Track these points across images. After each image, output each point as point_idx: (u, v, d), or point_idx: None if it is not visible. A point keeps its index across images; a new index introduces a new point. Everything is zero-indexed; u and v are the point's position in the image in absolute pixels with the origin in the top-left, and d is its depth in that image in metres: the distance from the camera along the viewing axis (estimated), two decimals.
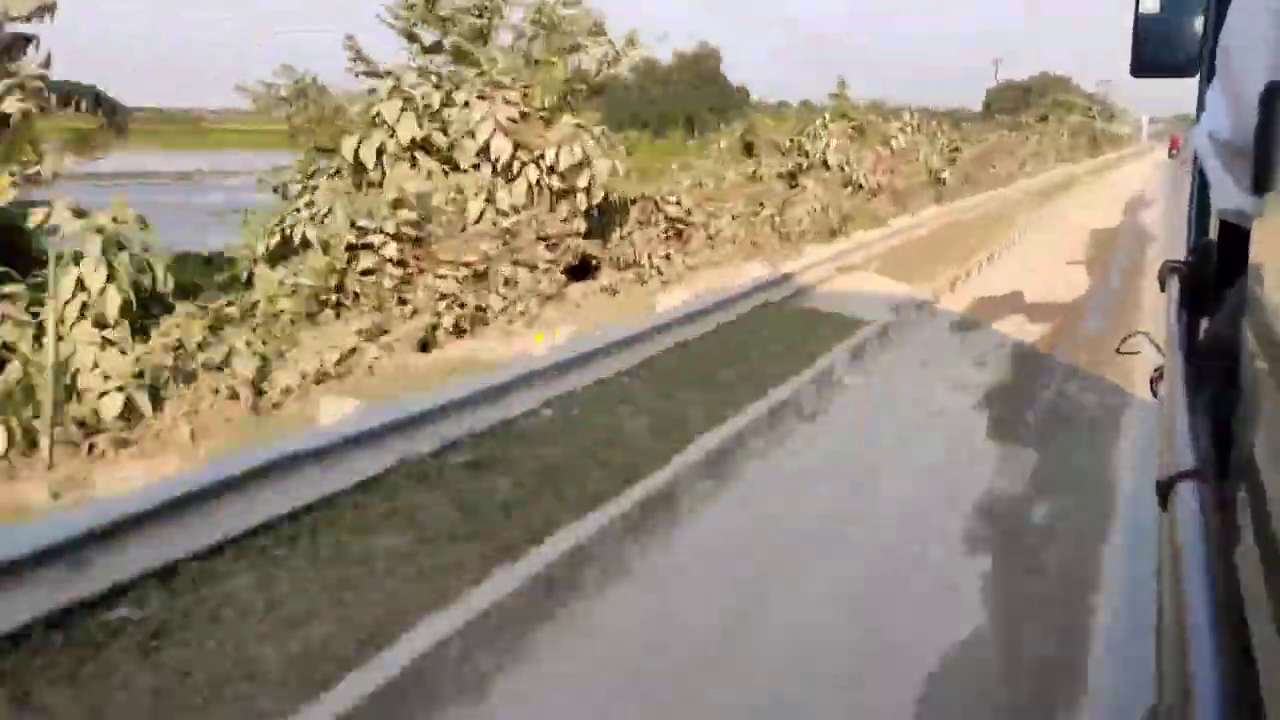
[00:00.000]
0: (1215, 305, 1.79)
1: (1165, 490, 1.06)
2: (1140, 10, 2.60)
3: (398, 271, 10.12)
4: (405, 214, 10.31)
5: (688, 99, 68.82)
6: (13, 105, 10.32)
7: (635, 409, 6.46)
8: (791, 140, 21.37)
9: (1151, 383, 2.03)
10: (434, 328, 9.64)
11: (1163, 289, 2.18)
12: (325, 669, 3.33)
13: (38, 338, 7.55)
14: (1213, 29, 2.30)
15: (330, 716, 3.09)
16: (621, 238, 13.82)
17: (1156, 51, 2.57)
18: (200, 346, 7.85)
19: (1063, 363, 9.10)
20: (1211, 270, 1.95)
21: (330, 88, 14.03)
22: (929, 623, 4.17)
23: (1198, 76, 2.57)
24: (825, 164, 20.27)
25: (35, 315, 7.68)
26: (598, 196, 12.91)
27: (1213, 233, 2.04)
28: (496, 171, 12.15)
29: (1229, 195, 1.44)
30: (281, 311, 9.57)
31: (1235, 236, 1.85)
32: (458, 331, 9.83)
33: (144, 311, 8.49)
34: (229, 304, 9.08)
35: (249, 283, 10.81)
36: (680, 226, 14.31)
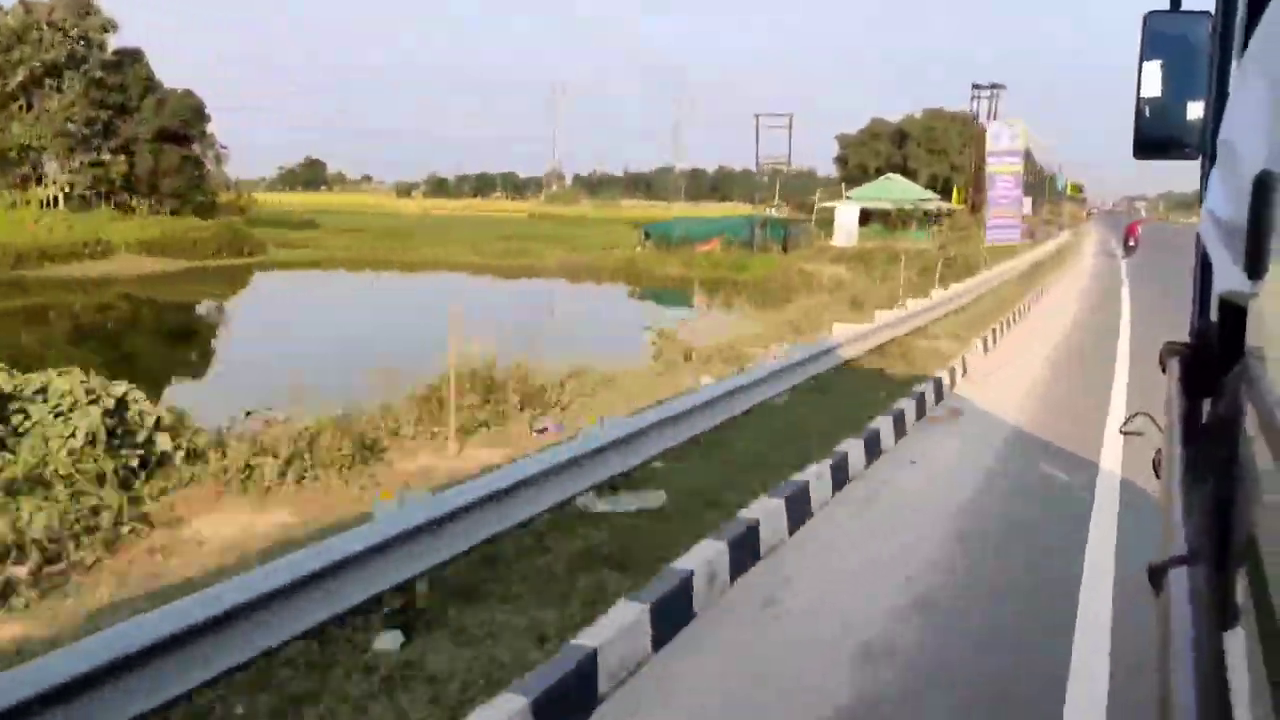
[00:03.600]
0: (1216, 387, 1.76)
1: (1159, 575, 1.03)
2: (1141, 93, 2.61)
3: None
4: None
5: None
6: None
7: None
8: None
9: (1154, 464, 1.99)
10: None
11: (1164, 370, 2.15)
12: None
13: None
14: (1214, 112, 2.31)
15: None
16: None
17: (1158, 133, 2.57)
18: None
19: None
20: (1213, 352, 1.92)
21: None
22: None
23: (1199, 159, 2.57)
24: None
25: None
26: None
27: (1214, 314, 2.03)
28: None
29: (1230, 277, 1.43)
30: None
31: (1237, 318, 1.83)
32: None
33: None
34: None
35: None
36: None
